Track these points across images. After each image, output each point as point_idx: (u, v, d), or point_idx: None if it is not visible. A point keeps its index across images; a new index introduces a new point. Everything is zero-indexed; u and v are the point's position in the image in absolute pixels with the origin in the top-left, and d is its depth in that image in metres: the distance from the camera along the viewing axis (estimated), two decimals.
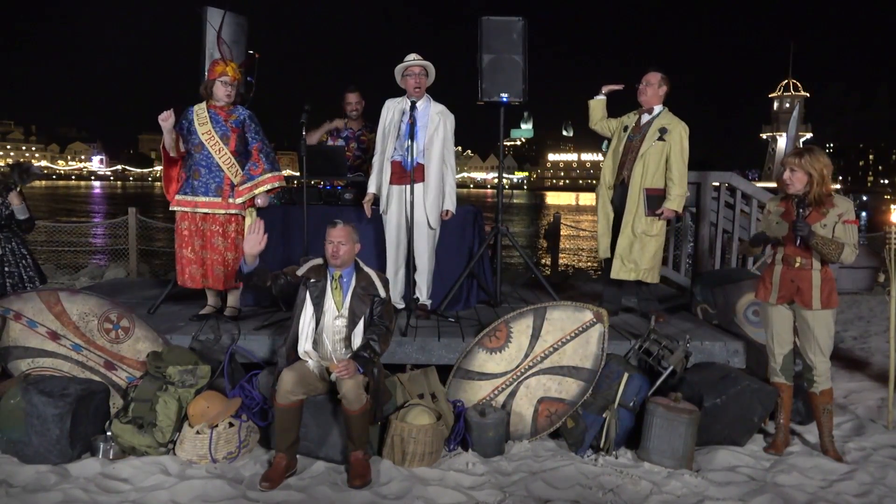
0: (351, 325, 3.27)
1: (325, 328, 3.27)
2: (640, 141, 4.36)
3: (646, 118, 4.41)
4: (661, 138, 4.31)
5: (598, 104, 4.60)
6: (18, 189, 4.26)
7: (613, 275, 4.43)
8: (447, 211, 4.45)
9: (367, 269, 3.38)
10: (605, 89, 4.58)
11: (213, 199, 4.10)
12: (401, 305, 4.37)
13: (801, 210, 3.28)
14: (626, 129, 4.47)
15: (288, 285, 3.30)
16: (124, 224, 8.75)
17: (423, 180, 4.31)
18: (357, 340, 3.26)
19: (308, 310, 3.24)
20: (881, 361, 5.09)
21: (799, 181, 3.30)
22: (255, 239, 3.20)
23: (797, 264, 3.34)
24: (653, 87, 4.34)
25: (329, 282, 3.28)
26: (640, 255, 4.35)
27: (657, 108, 4.39)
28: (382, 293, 3.34)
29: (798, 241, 3.29)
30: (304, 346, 3.23)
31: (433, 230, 4.42)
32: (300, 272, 3.30)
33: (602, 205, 4.56)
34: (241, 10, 4.77)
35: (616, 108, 4.63)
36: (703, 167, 6.12)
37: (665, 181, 4.34)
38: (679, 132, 4.31)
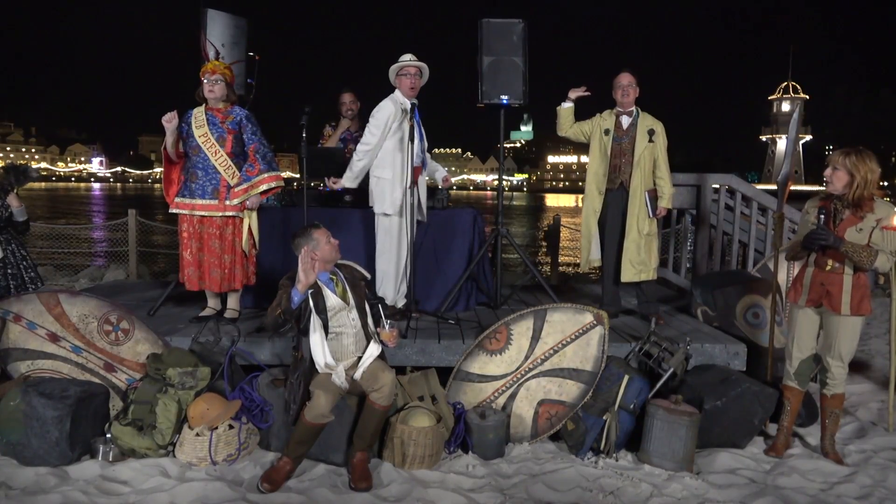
0: (362, 314, 3.30)
1: (340, 327, 3.25)
2: (631, 144, 4.37)
3: (626, 120, 4.41)
4: (651, 140, 4.37)
5: (567, 111, 4.52)
6: (15, 191, 4.27)
7: (626, 279, 4.44)
8: (446, 178, 4.66)
9: (341, 261, 3.41)
10: (572, 94, 4.49)
11: (209, 202, 4.09)
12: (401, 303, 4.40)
13: (821, 217, 3.21)
14: (606, 131, 4.43)
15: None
16: (124, 226, 8.75)
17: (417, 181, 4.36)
18: (369, 320, 3.32)
19: (316, 323, 3.20)
20: (882, 364, 5.09)
21: (839, 180, 3.19)
22: (309, 266, 3.09)
23: (828, 267, 3.27)
24: (635, 88, 4.38)
25: (327, 284, 3.26)
26: (647, 255, 4.43)
27: (633, 109, 4.43)
28: (367, 274, 3.46)
29: (818, 249, 3.21)
30: (326, 358, 3.20)
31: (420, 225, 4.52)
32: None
33: (592, 211, 4.50)
34: (241, 12, 4.78)
35: (583, 110, 4.62)
36: (703, 169, 6.12)
37: (654, 181, 4.42)
38: (662, 132, 4.42)
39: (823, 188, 3.36)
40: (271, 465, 3.15)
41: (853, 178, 3.16)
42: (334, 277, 3.30)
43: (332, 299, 3.24)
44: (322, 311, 3.21)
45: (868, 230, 3.17)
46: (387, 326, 3.25)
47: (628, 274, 4.43)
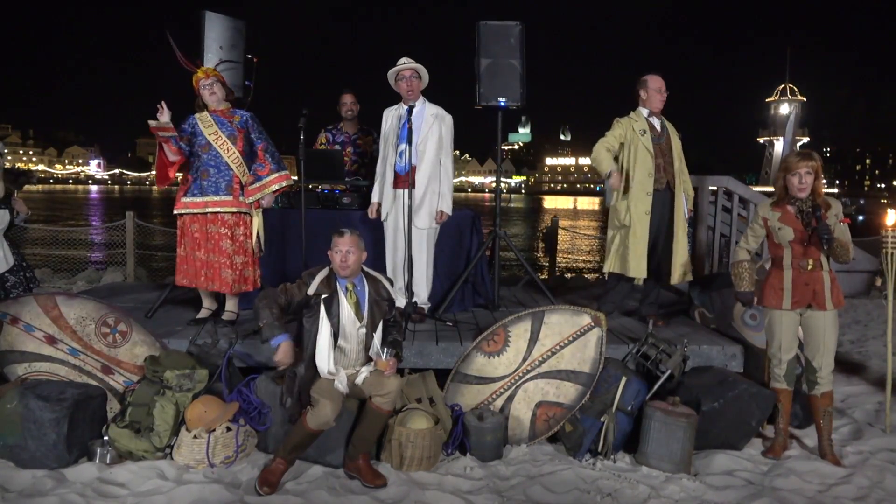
0: (371, 331, 3.26)
1: (347, 339, 3.21)
2: (668, 144, 4.39)
3: (656, 121, 4.41)
4: (680, 140, 4.43)
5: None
6: (16, 195, 4.27)
7: (675, 281, 4.42)
8: (441, 213, 4.39)
9: (373, 273, 3.36)
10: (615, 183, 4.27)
11: (224, 198, 4.07)
12: (402, 304, 4.41)
13: (818, 214, 3.26)
14: (643, 132, 4.30)
15: (296, 304, 3.19)
16: (122, 228, 8.75)
17: (414, 184, 4.33)
18: (377, 340, 3.26)
19: (325, 328, 3.14)
20: (879, 365, 5.10)
21: (811, 185, 3.31)
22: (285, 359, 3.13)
23: (810, 267, 3.34)
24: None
25: (343, 293, 3.21)
26: (685, 255, 4.44)
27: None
28: (394, 295, 3.40)
29: (822, 245, 3.25)
30: (329, 366, 3.15)
31: (426, 232, 4.42)
32: (311, 290, 3.15)
33: (642, 214, 4.28)
34: (239, 13, 4.79)
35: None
36: (701, 171, 6.14)
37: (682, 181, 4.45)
38: (677, 132, 4.44)
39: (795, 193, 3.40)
40: (266, 468, 3.13)
41: (819, 180, 3.32)
42: (350, 288, 3.24)
43: (345, 309, 3.19)
44: (334, 315, 3.16)
45: (832, 226, 3.30)
46: (384, 356, 3.19)
47: (677, 276, 4.40)
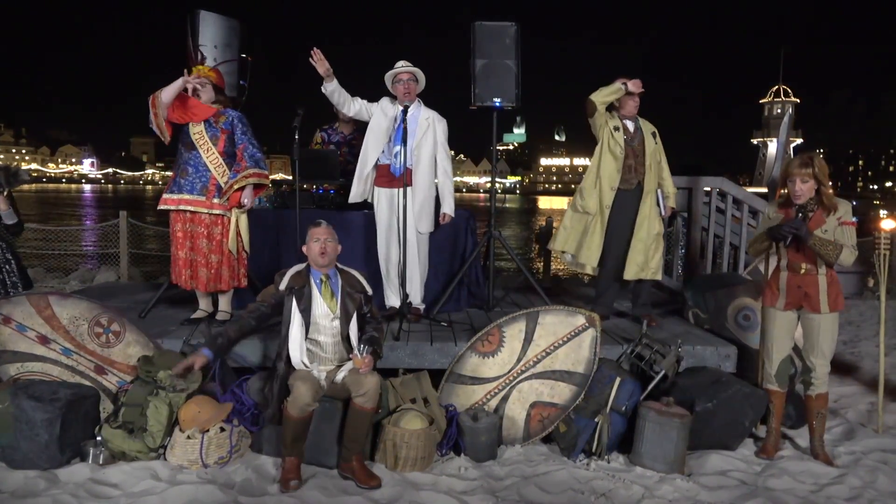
0: (345, 323, 3.29)
1: (320, 331, 3.26)
2: (641, 146, 4.40)
3: (630, 123, 4.43)
4: (655, 142, 4.43)
5: (617, 92, 4.31)
6: (5, 193, 4.22)
7: (628, 277, 4.40)
8: (444, 214, 4.46)
9: (346, 268, 3.41)
10: (633, 87, 4.29)
11: (197, 198, 4.08)
12: (397, 304, 4.40)
13: (800, 213, 3.26)
14: (616, 128, 4.37)
15: (270, 311, 3.30)
16: (115, 227, 8.71)
17: (411, 185, 4.32)
18: (353, 336, 3.28)
19: (296, 319, 3.18)
20: (871, 366, 5.12)
21: (809, 190, 3.28)
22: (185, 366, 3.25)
23: (803, 270, 3.34)
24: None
25: (317, 285, 3.26)
26: (654, 255, 4.42)
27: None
28: (369, 290, 3.42)
29: (789, 241, 3.27)
30: (302, 357, 3.19)
31: (422, 234, 4.43)
32: (283, 286, 3.23)
33: (602, 207, 4.38)
34: (234, 13, 4.77)
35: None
36: (695, 172, 6.15)
37: (658, 181, 4.46)
38: (658, 134, 4.48)
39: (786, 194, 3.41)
40: (281, 471, 3.12)
41: (820, 184, 3.27)
42: (324, 280, 3.29)
43: (318, 302, 3.23)
44: (305, 310, 3.20)
45: (832, 230, 3.27)
46: (361, 354, 3.19)
47: (635, 272, 4.39)
